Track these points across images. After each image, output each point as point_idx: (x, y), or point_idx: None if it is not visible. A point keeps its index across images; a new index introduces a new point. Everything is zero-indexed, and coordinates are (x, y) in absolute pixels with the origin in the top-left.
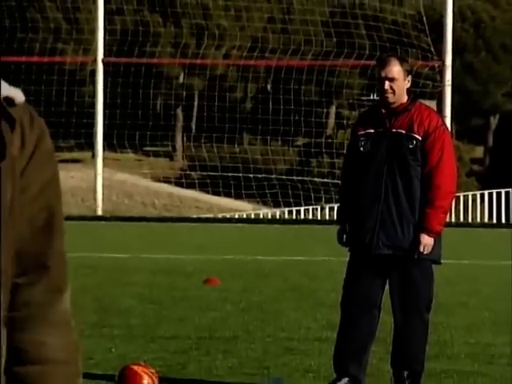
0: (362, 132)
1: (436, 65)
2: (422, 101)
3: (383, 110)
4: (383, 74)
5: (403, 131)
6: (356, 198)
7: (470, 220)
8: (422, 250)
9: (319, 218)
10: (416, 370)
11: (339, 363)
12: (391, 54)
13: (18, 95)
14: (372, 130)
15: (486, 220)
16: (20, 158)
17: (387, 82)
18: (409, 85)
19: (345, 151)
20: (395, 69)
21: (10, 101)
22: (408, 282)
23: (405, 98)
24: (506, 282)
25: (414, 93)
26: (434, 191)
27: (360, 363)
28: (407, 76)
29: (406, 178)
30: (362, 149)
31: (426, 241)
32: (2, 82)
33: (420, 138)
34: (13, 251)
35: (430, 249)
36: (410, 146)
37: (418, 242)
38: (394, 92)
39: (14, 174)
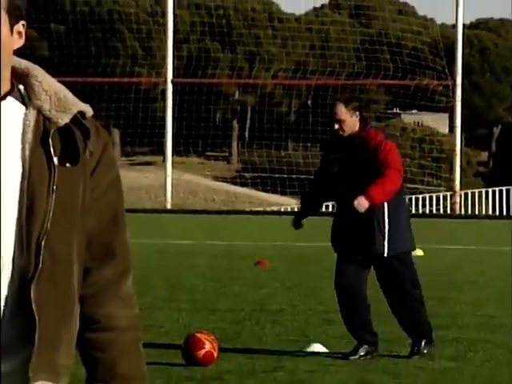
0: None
1: (449, 84)
2: (437, 113)
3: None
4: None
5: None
6: None
7: (476, 213)
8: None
9: None
10: (422, 334)
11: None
12: (337, 99)
13: (88, 109)
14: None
15: (490, 212)
16: (90, 161)
17: (336, 125)
18: (358, 117)
19: None
20: (342, 110)
21: (82, 114)
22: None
23: (356, 128)
24: (507, 264)
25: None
26: (382, 176)
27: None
28: (355, 112)
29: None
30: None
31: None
32: (76, 99)
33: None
34: (85, 241)
35: (362, 209)
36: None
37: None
38: (343, 130)
39: (85, 175)
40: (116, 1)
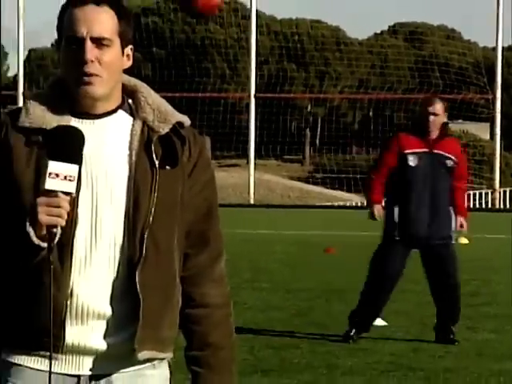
0: (410, 151)
1: (489, 97)
2: (479, 123)
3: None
4: (431, 110)
5: (442, 152)
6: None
7: None
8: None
9: None
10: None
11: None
12: (435, 95)
13: (185, 120)
14: (419, 150)
15: None
16: (188, 164)
17: (432, 117)
18: (445, 119)
19: None
20: (440, 107)
21: (180, 124)
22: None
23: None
24: None
25: (471, 117)
26: (462, 189)
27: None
28: (445, 114)
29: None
30: (411, 164)
31: (464, 222)
32: (175, 111)
33: (454, 158)
34: (184, 231)
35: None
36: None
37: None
38: (434, 125)
39: (183, 176)
40: (208, 29)
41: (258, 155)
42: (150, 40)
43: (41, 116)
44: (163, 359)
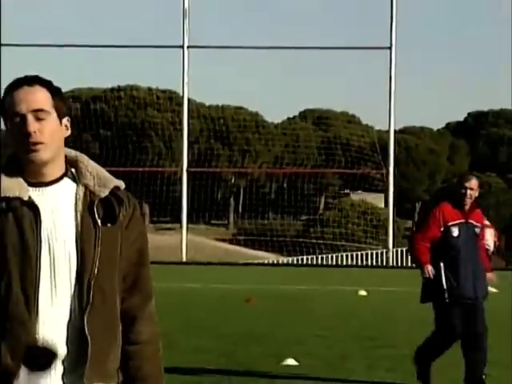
0: (452, 222)
1: (383, 172)
2: (376, 193)
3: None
4: (467, 185)
5: (474, 222)
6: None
7: (404, 264)
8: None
9: None
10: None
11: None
12: (471, 172)
13: (121, 184)
14: (458, 221)
15: (414, 265)
16: (124, 219)
17: (469, 192)
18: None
19: None
20: (476, 183)
21: (117, 188)
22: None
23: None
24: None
25: (368, 189)
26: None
27: None
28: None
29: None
30: (454, 234)
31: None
32: (111, 176)
33: (480, 226)
34: (120, 277)
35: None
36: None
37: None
38: (470, 199)
39: (121, 229)
40: (147, 114)
41: (189, 220)
42: (97, 123)
43: (7, 187)
44: None
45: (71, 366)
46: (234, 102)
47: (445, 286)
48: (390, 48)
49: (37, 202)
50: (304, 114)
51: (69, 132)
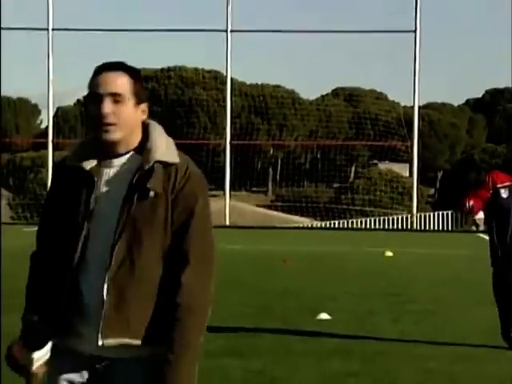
0: (501, 185)
1: (408, 144)
2: (401, 163)
3: None
4: None
5: None
6: None
7: (427, 228)
8: None
9: None
10: None
11: None
12: None
13: (174, 159)
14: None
15: (437, 228)
16: (172, 192)
17: None
18: None
19: None
20: None
21: (166, 163)
22: None
23: None
24: (460, 264)
25: (395, 159)
26: None
27: None
28: None
29: None
30: (503, 196)
31: None
32: (173, 150)
33: None
34: (164, 244)
35: None
36: None
37: None
38: None
39: (167, 200)
40: (194, 92)
41: (232, 188)
42: (149, 100)
43: (75, 156)
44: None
45: (106, 321)
46: (272, 81)
47: (497, 244)
48: (415, 31)
49: (95, 173)
50: (336, 92)
51: (145, 116)
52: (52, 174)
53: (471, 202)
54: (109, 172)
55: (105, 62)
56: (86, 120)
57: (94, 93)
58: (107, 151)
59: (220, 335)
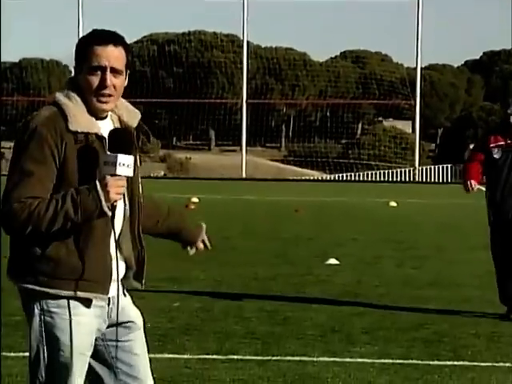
0: (494, 144)
1: (411, 103)
2: (404, 120)
3: None
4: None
5: None
6: None
7: (428, 180)
8: None
9: None
10: None
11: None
12: None
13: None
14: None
15: (436, 180)
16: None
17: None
18: None
19: None
20: None
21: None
22: None
23: None
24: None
25: (398, 117)
26: None
27: None
28: None
29: None
30: (495, 156)
31: None
32: (136, 111)
33: None
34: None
35: None
36: None
37: None
38: None
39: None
40: (213, 54)
41: (248, 143)
42: (171, 62)
43: (82, 122)
44: None
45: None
46: (285, 44)
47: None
48: None
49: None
50: (344, 54)
51: (126, 82)
52: (49, 140)
53: (473, 184)
54: (103, 133)
55: (99, 29)
56: (81, 85)
57: (98, 64)
58: (96, 116)
59: (236, 278)
